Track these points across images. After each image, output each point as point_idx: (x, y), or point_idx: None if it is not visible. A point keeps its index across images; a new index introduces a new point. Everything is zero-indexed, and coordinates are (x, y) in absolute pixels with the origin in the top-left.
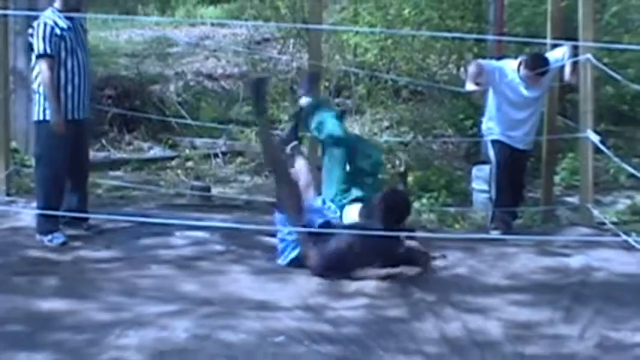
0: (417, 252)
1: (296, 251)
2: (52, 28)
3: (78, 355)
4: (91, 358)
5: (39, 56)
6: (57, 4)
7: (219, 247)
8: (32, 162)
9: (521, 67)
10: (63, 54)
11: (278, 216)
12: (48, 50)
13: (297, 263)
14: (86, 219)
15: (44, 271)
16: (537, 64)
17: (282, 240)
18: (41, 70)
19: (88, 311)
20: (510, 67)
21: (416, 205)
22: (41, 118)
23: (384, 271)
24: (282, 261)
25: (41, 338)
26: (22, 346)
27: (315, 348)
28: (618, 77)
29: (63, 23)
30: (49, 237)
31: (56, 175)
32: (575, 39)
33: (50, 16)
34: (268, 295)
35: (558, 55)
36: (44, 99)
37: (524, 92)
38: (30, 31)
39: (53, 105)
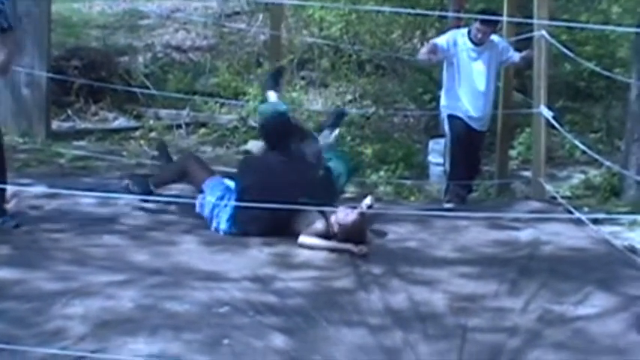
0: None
1: (226, 213)
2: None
3: (22, 324)
4: (35, 327)
5: None
6: None
7: (172, 218)
8: None
9: (473, 24)
10: None
11: (202, 198)
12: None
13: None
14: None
15: None
16: (486, 22)
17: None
18: None
19: (37, 280)
20: (460, 32)
21: (373, 177)
22: None
23: (331, 244)
24: (222, 227)
25: None
26: None
27: (258, 319)
28: (571, 55)
29: None
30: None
31: None
32: (531, 17)
33: None
34: (218, 266)
35: (512, 53)
36: None
37: (474, 55)
38: None
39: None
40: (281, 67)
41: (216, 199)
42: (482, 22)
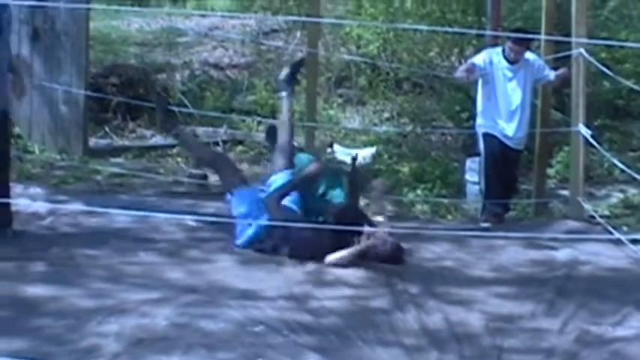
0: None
1: (251, 229)
2: None
3: (57, 341)
4: (70, 344)
5: None
6: None
7: (208, 235)
8: (35, 148)
9: (506, 43)
10: None
11: (230, 198)
12: None
13: (257, 243)
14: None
15: (33, 257)
16: (518, 32)
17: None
18: None
19: (72, 297)
20: (495, 51)
21: (410, 195)
22: None
23: (353, 249)
24: (240, 242)
25: (22, 324)
26: (2, 332)
27: (293, 338)
28: (609, 73)
29: None
30: None
31: None
32: (569, 35)
33: None
34: (253, 285)
35: (548, 71)
36: None
37: (510, 74)
38: None
39: None
40: (301, 60)
41: (240, 216)
42: (515, 40)
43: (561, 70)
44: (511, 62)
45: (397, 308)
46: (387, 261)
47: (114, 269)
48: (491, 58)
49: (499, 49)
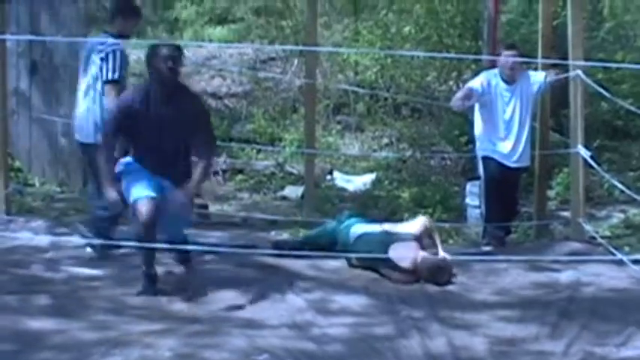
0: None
1: None
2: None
3: None
4: None
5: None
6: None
7: (210, 265)
8: (35, 181)
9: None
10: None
11: None
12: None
13: None
14: None
15: (36, 289)
16: (510, 47)
17: None
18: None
19: (75, 330)
20: (492, 73)
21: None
22: None
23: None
24: None
25: (26, 358)
26: None
27: None
28: (606, 94)
29: None
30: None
31: None
32: (566, 57)
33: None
34: (256, 314)
35: (540, 77)
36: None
37: (507, 94)
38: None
39: None
40: None
41: None
42: (506, 47)
43: (552, 76)
44: (508, 82)
45: (401, 334)
46: (437, 276)
47: (116, 301)
48: (489, 80)
49: (496, 71)
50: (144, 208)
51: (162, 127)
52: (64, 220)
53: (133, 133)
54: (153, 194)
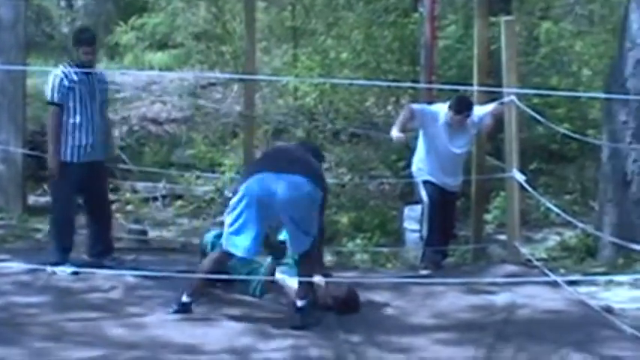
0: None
1: None
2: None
3: None
4: None
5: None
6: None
7: (148, 292)
8: None
9: (447, 110)
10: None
11: None
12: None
13: None
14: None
15: None
16: (460, 107)
17: None
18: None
19: (13, 357)
20: (443, 111)
21: (349, 245)
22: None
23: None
24: None
25: None
26: None
27: None
28: (541, 119)
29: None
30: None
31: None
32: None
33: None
34: (195, 339)
35: (484, 110)
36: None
37: (451, 139)
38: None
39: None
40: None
41: None
42: (456, 112)
43: (494, 108)
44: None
45: (338, 358)
46: (343, 306)
47: (54, 327)
48: (438, 116)
49: (446, 106)
50: None
51: None
52: (3, 246)
53: None
54: None
